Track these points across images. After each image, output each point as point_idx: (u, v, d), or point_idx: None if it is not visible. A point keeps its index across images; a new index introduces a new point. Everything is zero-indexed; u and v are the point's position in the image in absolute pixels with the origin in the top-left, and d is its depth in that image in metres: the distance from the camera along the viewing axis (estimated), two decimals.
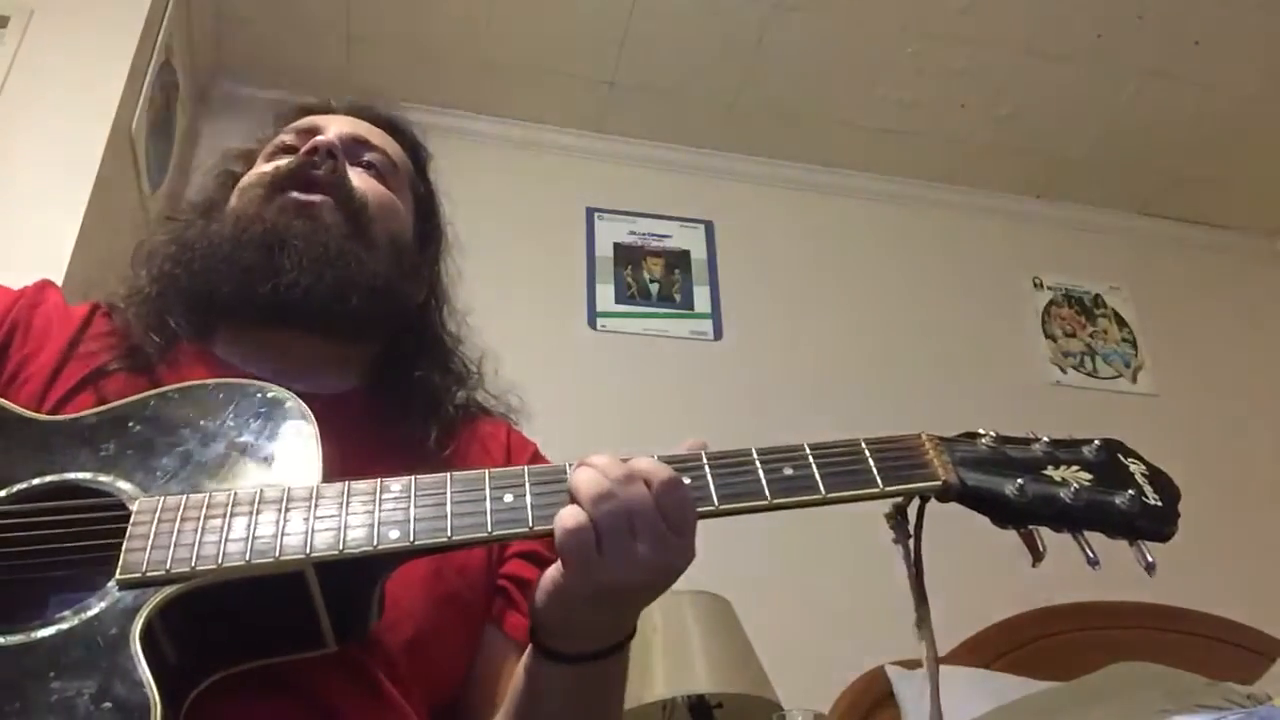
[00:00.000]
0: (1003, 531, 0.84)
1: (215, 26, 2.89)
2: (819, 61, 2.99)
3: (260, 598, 0.76)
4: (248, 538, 0.75)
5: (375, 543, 0.76)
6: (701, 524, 0.80)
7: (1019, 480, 0.83)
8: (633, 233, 3.08)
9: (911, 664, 2.31)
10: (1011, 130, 3.19)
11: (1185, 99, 3.07)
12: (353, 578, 0.78)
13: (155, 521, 0.76)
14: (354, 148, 1.12)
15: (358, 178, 1.09)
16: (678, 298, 3.00)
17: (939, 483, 0.83)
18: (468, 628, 0.97)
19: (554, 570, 0.80)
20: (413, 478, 0.80)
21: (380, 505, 0.78)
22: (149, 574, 0.74)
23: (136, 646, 0.70)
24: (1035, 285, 3.28)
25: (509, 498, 0.79)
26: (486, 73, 3.02)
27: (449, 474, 0.81)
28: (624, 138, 3.20)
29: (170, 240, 1.08)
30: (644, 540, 0.76)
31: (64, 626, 0.72)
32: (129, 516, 0.77)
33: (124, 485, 0.81)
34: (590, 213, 3.08)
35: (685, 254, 3.08)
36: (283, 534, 0.76)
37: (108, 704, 0.67)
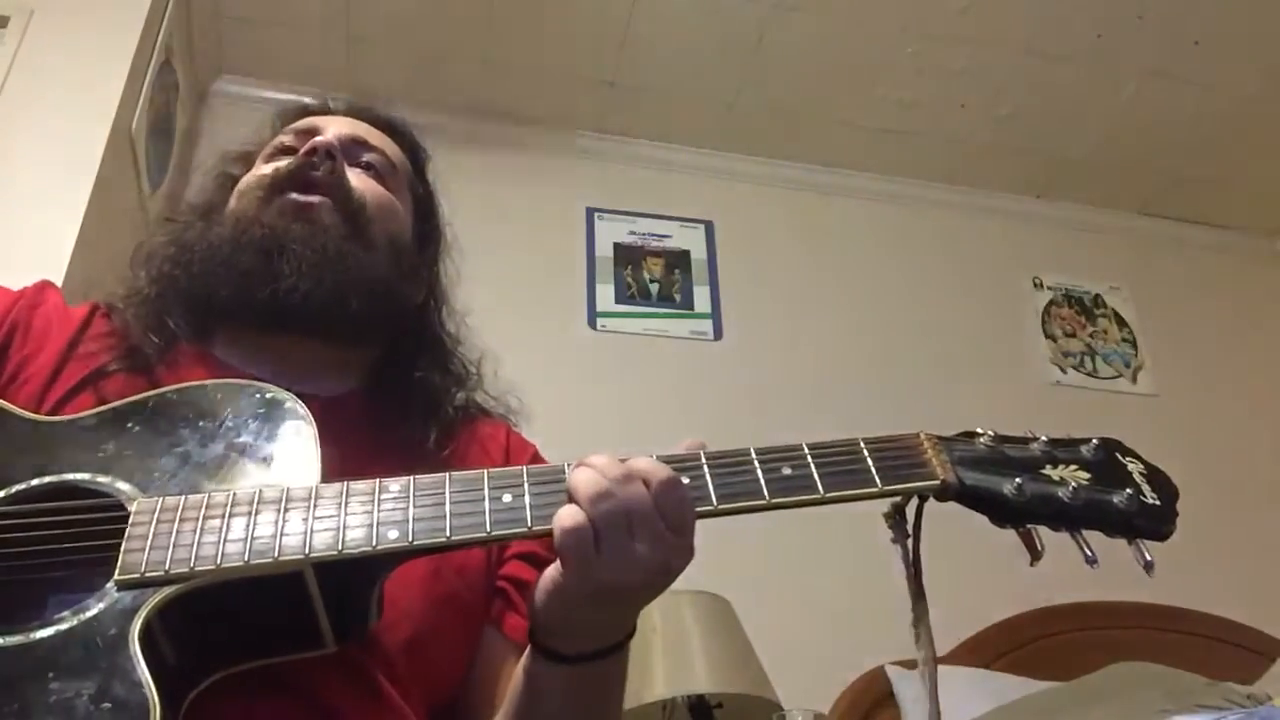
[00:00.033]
0: (1002, 531, 0.84)
1: (215, 26, 2.90)
2: (819, 61, 2.99)
3: (259, 598, 0.76)
4: (246, 538, 0.75)
5: (374, 543, 0.76)
6: (701, 524, 0.80)
7: (1017, 479, 0.83)
8: (633, 233, 3.08)
9: (911, 664, 2.30)
10: (1011, 130, 3.19)
11: (1185, 99, 3.07)
12: (352, 578, 0.78)
13: (154, 522, 0.77)
14: (353, 148, 1.12)
15: (356, 178, 1.09)
16: (678, 298, 3.00)
17: (937, 482, 0.83)
18: (466, 628, 0.97)
19: (553, 570, 0.80)
20: (411, 478, 0.80)
21: (379, 505, 0.78)
22: (148, 574, 0.74)
23: (135, 647, 0.70)
24: (1035, 285, 3.28)
25: (508, 497, 0.79)
26: (486, 73, 3.02)
27: (447, 474, 0.81)
28: (624, 138, 3.20)
29: (169, 242, 1.09)
30: (643, 540, 0.76)
31: (63, 627, 0.72)
32: (128, 517, 0.78)
33: (123, 486, 0.81)
34: (590, 213, 3.08)
35: (685, 254, 3.08)
36: (281, 534, 0.76)
37: (107, 704, 0.67)
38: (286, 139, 1.13)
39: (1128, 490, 0.83)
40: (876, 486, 0.82)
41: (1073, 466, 0.85)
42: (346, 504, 0.78)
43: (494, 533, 0.78)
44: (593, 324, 2.89)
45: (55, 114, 2.18)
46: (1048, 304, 3.25)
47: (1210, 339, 3.29)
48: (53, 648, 0.71)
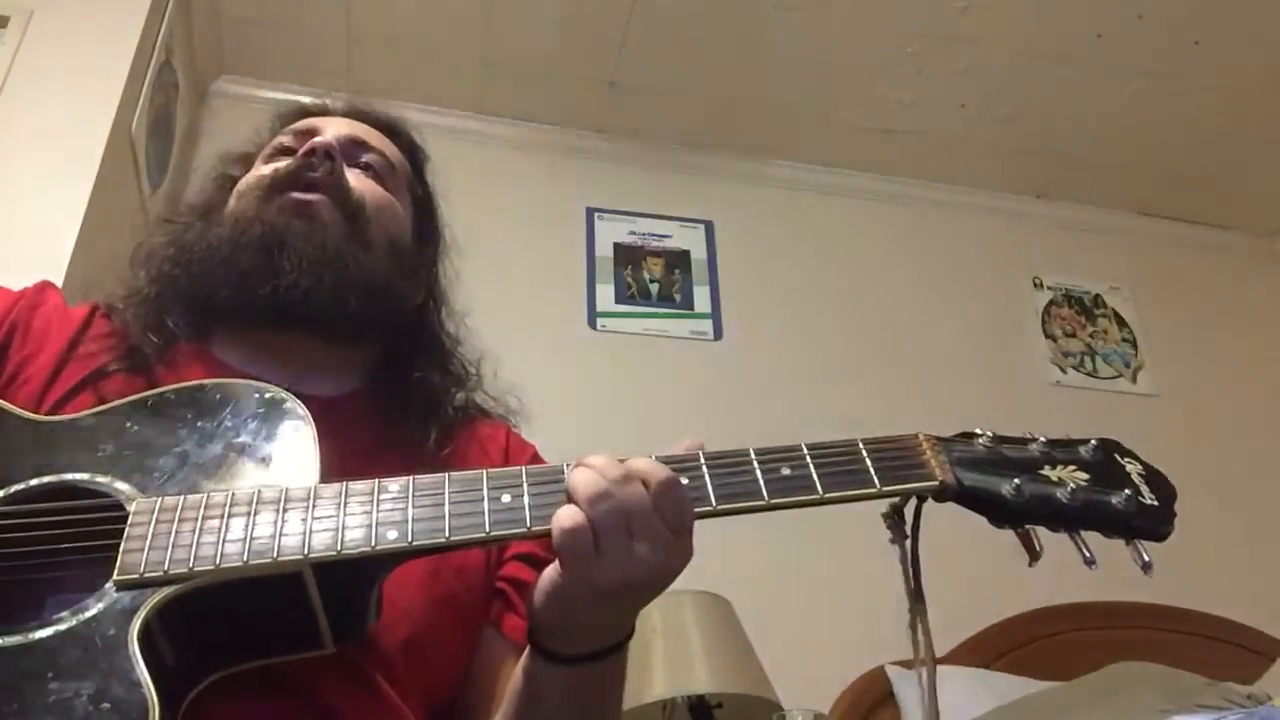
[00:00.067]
0: (1001, 531, 0.84)
1: (215, 26, 2.90)
2: (819, 61, 2.99)
3: (258, 598, 0.76)
4: (245, 538, 0.75)
5: (373, 543, 0.76)
6: (701, 523, 0.80)
7: (1016, 480, 0.83)
8: (633, 233, 3.08)
9: (912, 664, 2.30)
10: (1011, 130, 3.19)
11: (1185, 99, 3.07)
12: (351, 578, 0.78)
13: (153, 522, 0.77)
14: (351, 149, 1.12)
15: (355, 179, 1.09)
16: (678, 298, 3.00)
17: (936, 483, 0.83)
18: (465, 629, 0.97)
19: (552, 571, 0.80)
20: (410, 478, 0.80)
21: (378, 506, 0.78)
22: (146, 575, 0.74)
23: (134, 647, 0.70)
24: (1035, 285, 3.28)
25: (507, 498, 0.79)
26: (486, 73, 3.02)
27: (447, 474, 0.81)
28: (624, 138, 3.20)
29: (169, 243, 1.09)
30: (642, 540, 0.76)
31: (62, 627, 0.72)
32: (126, 517, 0.78)
33: (122, 486, 0.81)
34: (590, 213, 3.08)
35: (685, 254, 3.08)
36: (280, 534, 0.76)
37: (106, 705, 0.67)
38: (285, 140, 1.13)
39: (1126, 491, 0.83)
40: (875, 487, 0.82)
41: (1071, 467, 0.85)
42: (345, 504, 0.78)
43: (493, 533, 0.78)
44: (593, 324, 2.89)
45: (55, 114, 2.18)
46: (1048, 304, 3.25)
47: (1210, 339, 3.29)
48: (52, 648, 0.71)
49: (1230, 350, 3.28)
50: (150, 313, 1.03)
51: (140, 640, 0.70)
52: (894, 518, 0.86)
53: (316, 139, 1.08)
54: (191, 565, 0.74)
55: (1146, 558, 0.81)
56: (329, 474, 0.82)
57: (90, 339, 1.01)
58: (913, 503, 0.85)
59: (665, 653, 2.00)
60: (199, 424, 0.86)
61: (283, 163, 1.09)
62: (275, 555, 0.75)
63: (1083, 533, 0.82)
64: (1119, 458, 0.88)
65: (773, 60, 2.98)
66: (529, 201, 3.02)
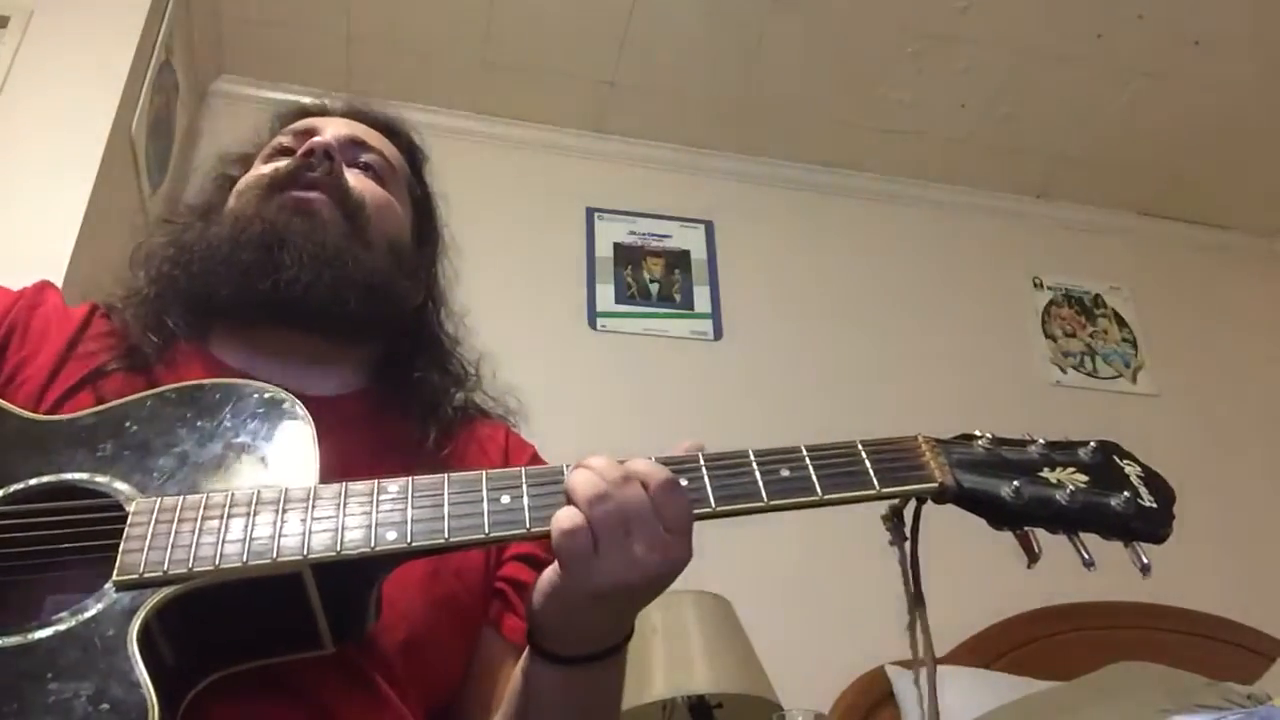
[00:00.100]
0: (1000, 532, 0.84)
1: (215, 26, 2.90)
2: (819, 61, 2.99)
3: (257, 599, 0.76)
4: (245, 539, 0.75)
5: (372, 544, 0.76)
6: (701, 524, 0.80)
7: (1015, 482, 0.83)
8: (633, 233, 3.08)
9: (912, 664, 2.30)
10: (1011, 130, 3.19)
11: (1185, 99, 3.07)
12: (350, 579, 0.78)
13: (152, 522, 0.77)
14: (351, 149, 1.12)
15: (354, 179, 1.09)
16: (678, 298, 3.00)
17: (935, 484, 0.83)
18: (464, 630, 0.97)
19: (551, 572, 0.80)
20: (410, 479, 0.80)
21: (377, 506, 0.78)
22: (146, 575, 0.74)
23: (134, 648, 0.70)
24: (1035, 285, 3.28)
25: (506, 499, 0.79)
26: (486, 73, 3.02)
27: (446, 475, 0.81)
28: (624, 138, 3.20)
29: (169, 243, 1.08)
30: (640, 542, 0.76)
31: (61, 628, 0.72)
32: (126, 517, 0.77)
33: (121, 486, 0.81)
34: (590, 213, 3.08)
35: (685, 254, 3.08)
36: (280, 535, 0.76)
37: (105, 705, 0.67)
38: (285, 140, 1.13)
39: (1125, 493, 0.83)
40: (874, 489, 0.82)
41: (1070, 469, 0.85)
42: (345, 505, 0.78)
43: (492, 534, 0.78)
44: (593, 324, 2.89)
45: (55, 114, 2.18)
46: (1048, 304, 3.25)
47: (1210, 339, 3.29)
48: (51, 649, 0.71)
49: (1230, 350, 3.28)
50: (150, 312, 1.03)
51: (139, 641, 0.70)
52: (894, 520, 0.86)
53: (315, 139, 1.08)
54: (191, 566, 0.74)
55: (1145, 560, 0.81)
56: (328, 474, 0.82)
57: (89, 338, 1.01)
58: (912, 504, 0.85)
59: (665, 653, 2.00)
60: (199, 424, 0.86)
61: (282, 162, 1.09)
62: (275, 556, 0.75)
63: (1082, 535, 0.82)
64: (1118, 460, 0.88)
65: (773, 60, 2.98)
66: (529, 201, 3.02)
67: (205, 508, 0.77)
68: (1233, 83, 3.02)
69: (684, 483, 0.79)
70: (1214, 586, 2.64)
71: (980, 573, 2.04)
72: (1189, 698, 1.69)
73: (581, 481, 0.77)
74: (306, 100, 1.23)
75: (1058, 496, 0.83)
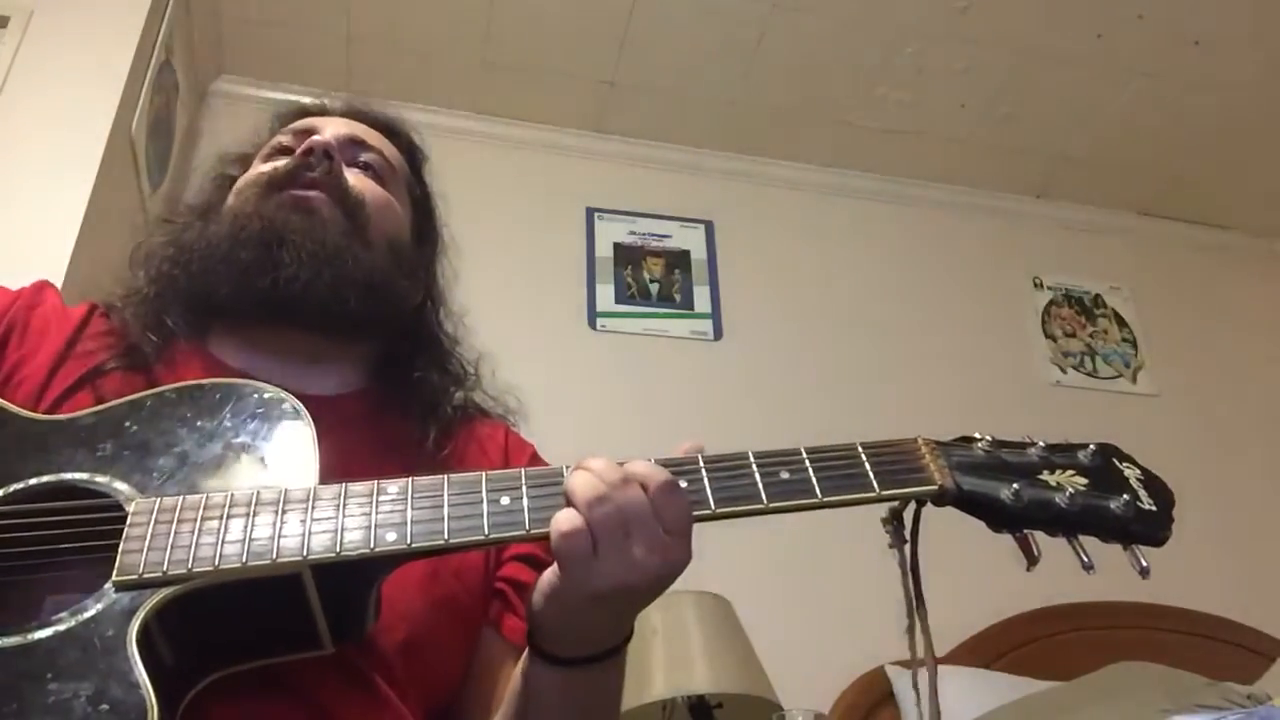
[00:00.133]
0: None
1: (215, 26, 2.90)
2: (819, 61, 2.99)
3: (257, 599, 0.76)
4: (244, 539, 0.75)
5: (372, 545, 0.76)
6: (702, 524, 0.80)
7: (1014, 485, 0.83)
8: (633, 233, 3.08)
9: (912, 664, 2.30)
10: (1011, 130, 3.19)
11: (1186, 99, 3.07)
12: (350, 580, 0.78)
13: (152, 523, 0.77)
14: (350, 148, 1.12)
15: (354, 178, 1.09)
16: (678, 298, 3.00)
17: (935, 487, 0.83)
18: (464, 630, 0.97)
19: (550, 573, 0.80)
20: (409, 480, 0.80)
21: (377, 507, 0.78)
22: (145, 575, 0.74)
23: (133, 648, 0.70)
24: (1035, 285, 3.28)
25: (506, 500, 0.79)
26: (486, 73, 3.02)
27: (446, 476, 0.81)
28: (624, 138, 3.20)
29: (168, 242, 1.09)
30: (640, 544, 0.76)
31: (61, 628, 0.72)
32: (126, 517, 0.77)
33: (121, 486, 0.81)
34: (590, 213, 3.08)
35: (685, 254, 3.08)
36: (279, 536, 0.76)
37: (104, 706, 0.67)
38: (284, 139, 1.13)
39: (1124, 496, 0.83)
40: (874, 491, 0.82)
41: (1070, 472, 0.85)
42: (344, 506, 0.78)
43: (492, 535, 0.78)
44: (593, 324, 2.89)
45: (55, 114, 2.17)
46: (1048, 304, 3.25)
47: (1210, 339, 3.29)
48: (51, 649, 0.71)
49: (1230, 350, 3.28)
50: (149, 311, 1.03)
51: (139, 641, 0.70)
52: (893, 522, 0.86)
53: (315, 138, 1.08)
54: (190, 566, 0.74)
55: (1144, 563, 0.81)
56: (327, 473, 0.82)
57: (88, 337, 1.01)
58: (912, 507, 0.85)
59: (665, 653, 2.00)
60: (198, 424, 0.86)
61: (281, 161, 1.09)
62: (274, 557, 0.75)
63: (1081, 537, 0.82)
64: (1118, 462, 0.88)
65: (773, 60, 2.97)
66: (529, 201, 3.02)
67: (205, 508, 0.77)
68: (1233, 83, 3.02)
69: (683, 484, 0.79)
70: (1214, 586, 2.64)
71: (980, 573, 2.04)
72: (1189, 698, 1.69)
73: (581, 483, 0.76)
74: (306, 100, 1.23)
75: (1057, 499, 0.83)
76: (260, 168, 1.11)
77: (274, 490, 0.79)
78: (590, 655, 0.84)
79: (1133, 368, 3.18)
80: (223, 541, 0.75)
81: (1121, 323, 3.27)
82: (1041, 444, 0.88)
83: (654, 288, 3.00)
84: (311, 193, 1.04)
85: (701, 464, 0.81)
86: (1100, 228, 3.44)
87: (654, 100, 3.10)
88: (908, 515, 0.86)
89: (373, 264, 1.04)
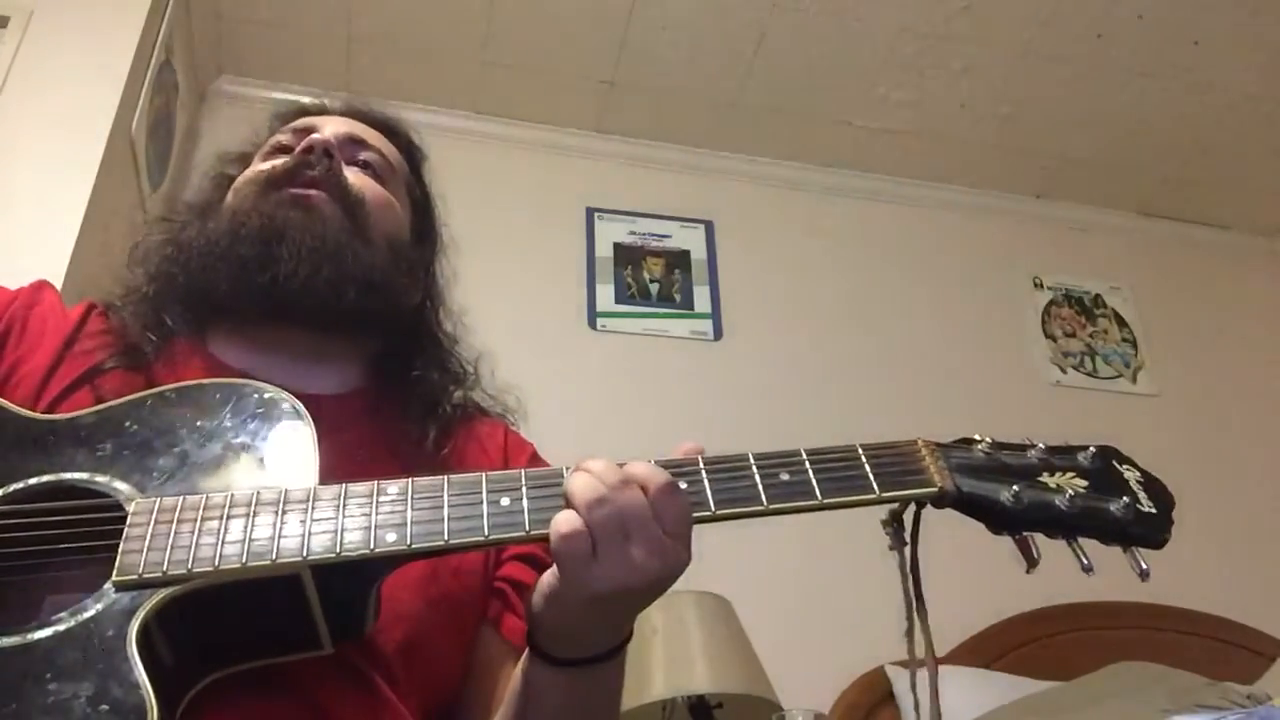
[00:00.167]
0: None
1: (215, 26, 2.90)
2: (819, 61, 2.99)
3: (257, 600, 0.76)
4: (244, 540, 0.75)
5: (372, 546, 0.76)
6: (702, 525, 0.80)
7: (1014, 487, 0.83)
8: (633, 233, 3.08)
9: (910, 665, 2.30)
10: (1011, 130, 3.19)
11: (1186, 99, 3.07)
12: (349, 580, 0.78)
13: (152, 523, 0.76)
14: (350, 147, 1.12)
15: (354, 176, 1.09)
16: (678, 298, 3.00)
17: (935, 489, 0.83)
18: (463, 630, 0.97)
19: (550, 574, 0.80)
20: (409, 480, 0.80)
21: (377, 508, 0.78)
22: (145, 575, 0.74)
23: (133, 649, 0.70)
24: (1035, 285, 3.27)
25: (506, 501, 0.79)
26: (486, 73, 3.02)
27: (446, 477, 0.81)
28: (624, 138, 3.20)
29: (167, 241, 1.08)
30: (639, 545, 0.76)
31: (60, 628, 0.72)
32: (125, 517, 0.77)
33: (120, 486, 0.81)
34: (590, 213, 3.08)
35: (685, 254, 3.08)
36: (279, 536, 0.76)
37: (104, 706, 0.67)
38: (283, 138, 1.13)
39: (1124, 499, 0.83)
40: (874, 493, 0.82)
41: (1070, 474, 0.85)
42: (344, 506, 0.78)
43: (492, 536, 0.78)
44: (593, 324, 2.89)
45: (55, 114, 2.17)
46: (1048, 304, 3.25)
47: (1210, 339, 3.29)
48: (50, 649, 0.71)
49: (1230, 350, 3.28)
50: (148, 310, 1.03)
51: (139, 641, 0.70)
52: (893, 524, 0.86)
53: (314, 136, 1.08)
54: (190, 566, 0.74)
55: (1144, 565, 0.81)
56: (327, 472, 0.82)
57: (86, 336, 1.01)
58: (912, 509, 0.85)
59: (665, 653, 2.00)
60: (198, 424, 0.86)
61: (280, 160, 1.09)
62: (274, 557, 0.75)
63: (1081, 540, 0.82)
64: (1117, 465, 0.87)
65: (773, 60, 2.97)
66: (528, 202, 3.02)
67: (205, 508, 0.77)
68: (1233, 83, 3.02)
69: (683, 486, 0.79)
70: (1214, 586, 2.64)
71: (980, 573, 2.04)
72: (1189, 698, 1.69)
73: (580, 485, 0.76)
74: (306, 100, 1.23)
75: (1057, 502, 0.82)
76: (259, 166, 1.11)
77: (274, 490, 0.79)
78: (590, 656, 0.83)
79: (1133, 368, 3.18)
80: (223, 542, 0.75)
81: (1121, 323, 3.26)
82: (1041, 446, 0.88)
83: (654, 288, 3.00)
84: (311, 190, 1.04)
85: (701, 465, 0.81)
86: (1100, 228, 3.44)
87: (654, 100, 3.10)
88: (908, 517, 0.85)
89: (372, 261, 1.04)
